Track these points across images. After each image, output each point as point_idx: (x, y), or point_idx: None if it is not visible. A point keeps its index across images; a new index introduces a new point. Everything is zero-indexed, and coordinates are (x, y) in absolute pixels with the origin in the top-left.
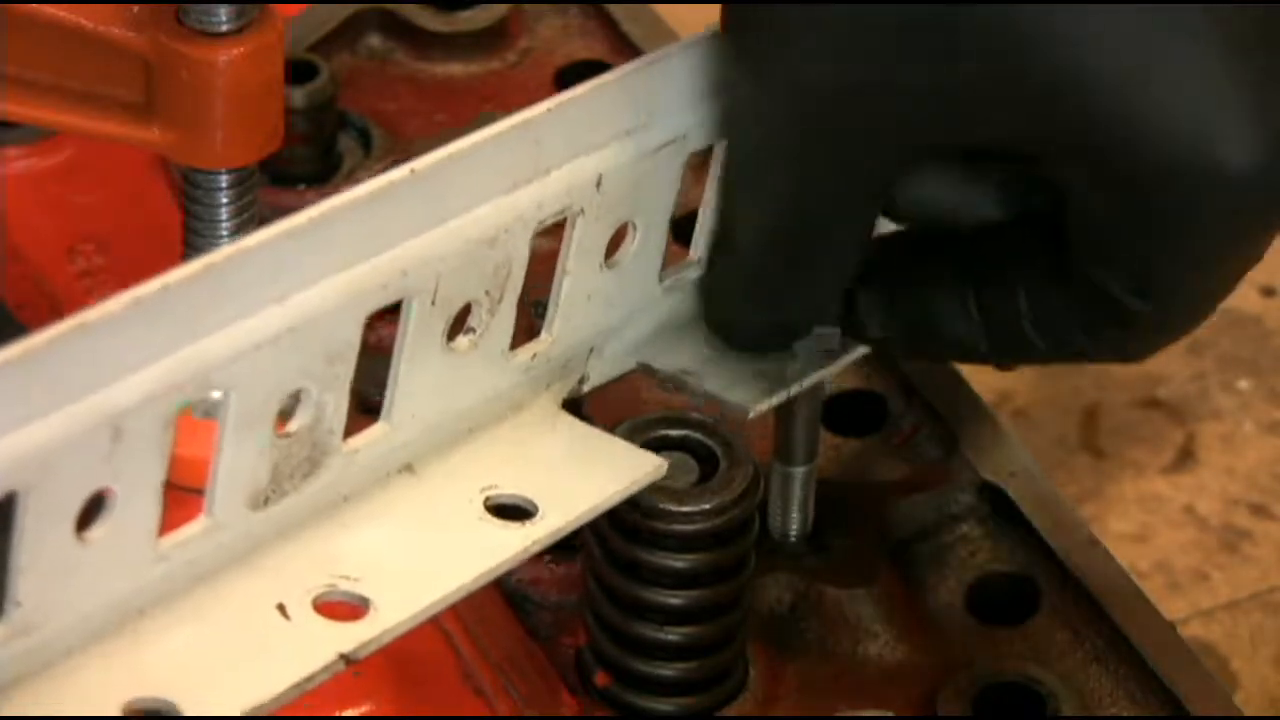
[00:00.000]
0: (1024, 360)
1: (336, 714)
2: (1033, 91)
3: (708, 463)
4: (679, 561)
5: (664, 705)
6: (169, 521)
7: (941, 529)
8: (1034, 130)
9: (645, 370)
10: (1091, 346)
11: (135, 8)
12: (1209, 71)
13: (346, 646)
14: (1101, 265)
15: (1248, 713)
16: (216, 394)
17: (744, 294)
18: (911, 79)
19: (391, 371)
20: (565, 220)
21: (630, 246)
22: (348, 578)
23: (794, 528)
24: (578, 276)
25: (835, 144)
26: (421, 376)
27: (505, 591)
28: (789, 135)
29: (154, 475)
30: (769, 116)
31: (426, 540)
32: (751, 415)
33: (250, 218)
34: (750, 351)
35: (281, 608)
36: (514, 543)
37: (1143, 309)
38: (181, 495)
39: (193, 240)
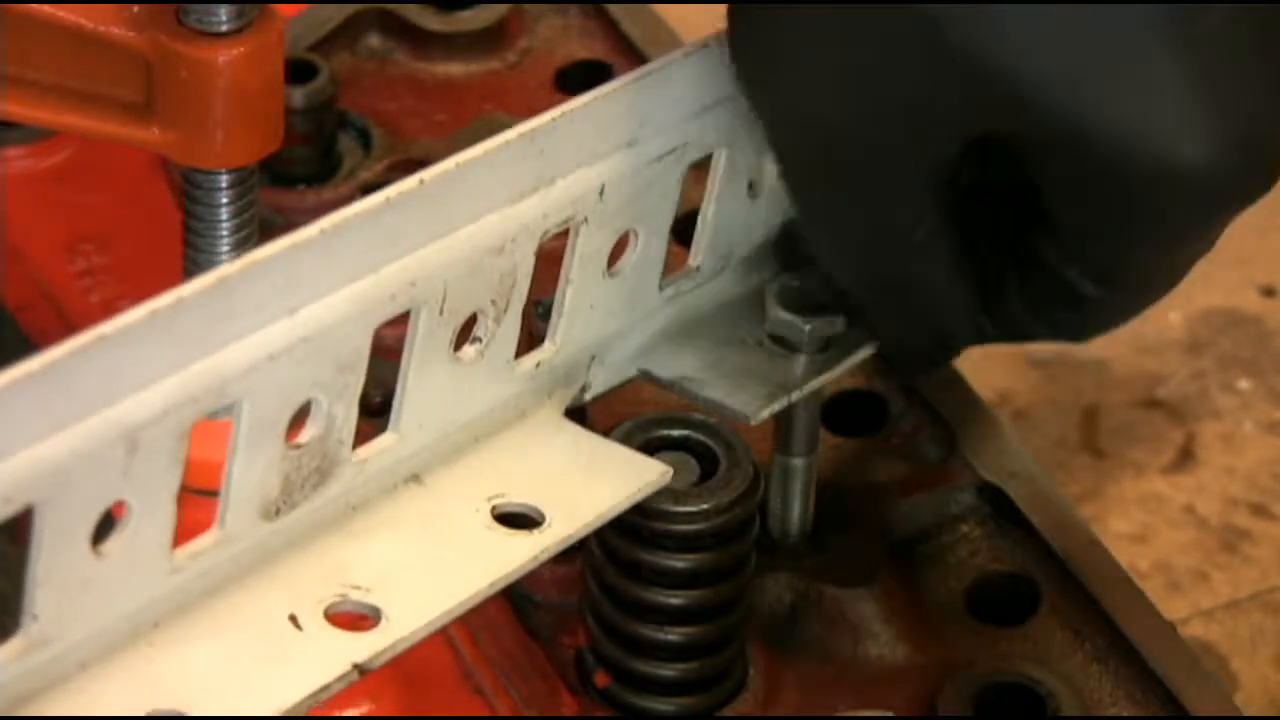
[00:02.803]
0: (979, 340)
1: (337, 714)
2: (998, 95)
3: (708, 463)
4: (679, 561)
5: (664, 705)
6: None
7: (941, 529)
8: (1004, 126)
9: (647, 378)
10: (1040, 327)
11: (135, 8)
12: (1160, 69)
13: (360, 656)
14: (1060, 251)
15: (1248, 713)
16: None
17: (884, 319)
18: (900, 99)
19: (399, 382)
20: (568, 229)
21: (632, 255)
22: (358, 588)
23: (794, 522)
24: (580, 285)
25: (860, 165)
26: (429, 386)
27: (505, 591)
28: (827, 166)
29: (169, 487)
30: (797, 151)
31: (435, 550)
32: (753, 422)
33: (250, 218)
34: (923, 373)
35: (294, 618)
36: (522, 551)
37: (1095, 294)
38: (183, 495)
39: (193, 240)
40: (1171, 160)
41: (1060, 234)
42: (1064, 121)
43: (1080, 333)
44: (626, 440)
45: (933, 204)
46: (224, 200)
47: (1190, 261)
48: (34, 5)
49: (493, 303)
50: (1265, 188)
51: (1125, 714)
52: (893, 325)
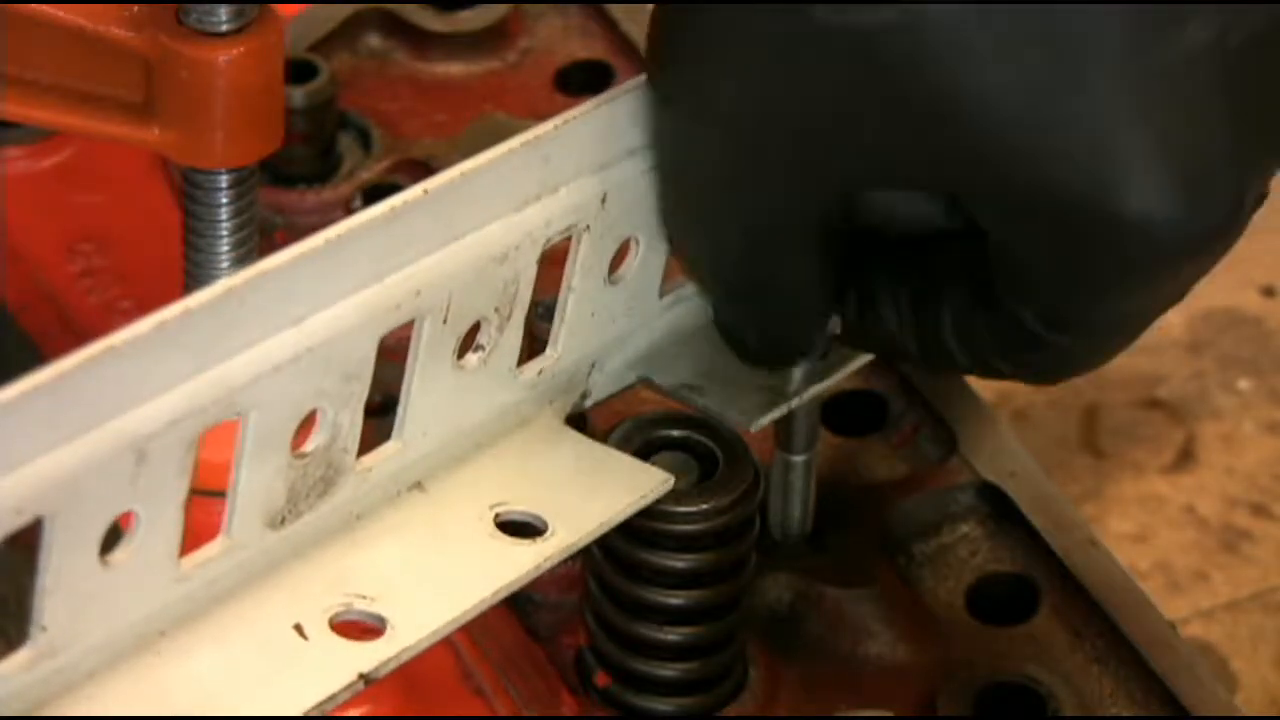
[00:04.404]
0: (947, 370)
1: (336, 714)
2: (940, 133)
3: (708, 463)
4: (679, 561)
5: (664, 705)
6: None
7: (941, 529)
8: (946, 171)
9: (647, 385)
10: (1007, 368)
11: (135, 8)
12: (1115, 121)
13: (366, 666)
14: (1015, 296)
15: (1248, 713)
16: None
17: (729, 319)
18: (825, 120)
19: (403, 391)
20: (568, 237)
21: (633, 262)
22: (363, 597)
23: (794, 522)
24: (582, 293)
25: (767, 178)
26: (432, 395)
27: None
28: (723, 170)
29: (176, 497)
30: (702, 152)
31: (439, 558)
32: (753, 430)
33: (250, 218)
34: (760, 366)
35: (299, 628)
36: (525, 560)
37: (1055, 340)
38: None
39: (193, 240)
40: (1118, 215)
41: (1015, 283)
42: (1010, 164)
43: (1049, 375)
44: (626, 440)
45: (825, 228)
46: (224, 200)
47: (1160, 309)
48: (34, 5)
49: (496, 311)
50: (1226, 241)
51: (1125, 714)
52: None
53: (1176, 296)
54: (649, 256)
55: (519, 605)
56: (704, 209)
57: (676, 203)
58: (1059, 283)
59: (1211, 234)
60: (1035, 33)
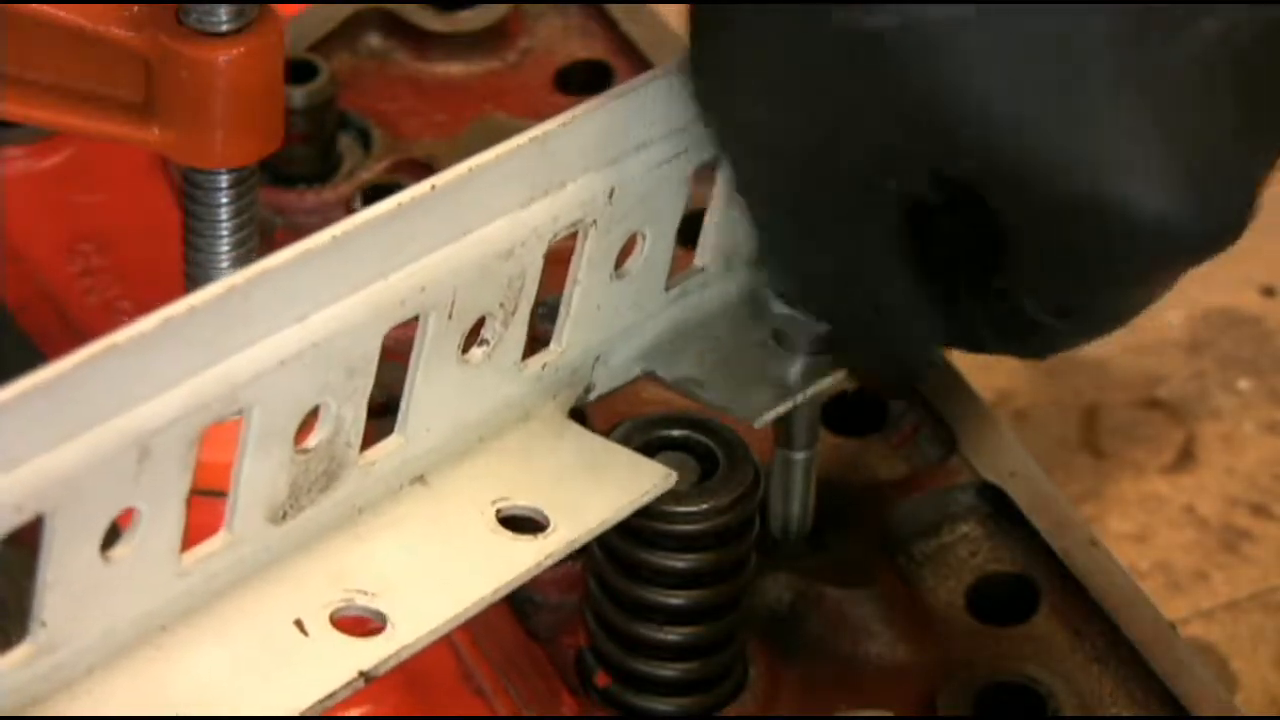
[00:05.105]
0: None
1: (337, 714)
2: (950, 133)
3: (708, 463)
4: (679, 561)
5: (664, 705)
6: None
7: (941, 529)
8: (959, 165)
9: (651, 378)
10: (998, 344)
11: (135, 8)
12: (1122, 121)
13: (366, 664)
14: (1018, 283)
15: (1248, 713)
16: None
17: (855, 345)
18: (855, 132)
19: (407, 385)
20: (576, 231)
21: (639, 256)
22: (364, 592)
23: (794, 522)
24: (588, 287)
25: (822, 198)
26: (436, 389)
27: None
28: (785, 201)
29: (178, 493)
30: (756, 180)
31: (440, 553)
32: (756, 425)
33: (250, 218)
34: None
35: (299, 623)
36: (527, 556)
37: (1052, 324)
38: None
39: (193, 240)
40: (1124, 210)
41: (1019, 270)
42: (1017, 162)
43: (1039, 353)
44: (626, 440)
45: (898, 238)
46: (224, 200)
47: (1153, 299)
48: (34, 5)
49: (501, 306)
50: (1225, 239)
51: (1125, 714)
52: (864, 350)
53: (1172, 285)
54: (655, 250)
55: (519, 606)
56: (786, 244)
57: (764, 242)
58: (1065, 274)
59: (1221, 230)
60: (1036, 33)
